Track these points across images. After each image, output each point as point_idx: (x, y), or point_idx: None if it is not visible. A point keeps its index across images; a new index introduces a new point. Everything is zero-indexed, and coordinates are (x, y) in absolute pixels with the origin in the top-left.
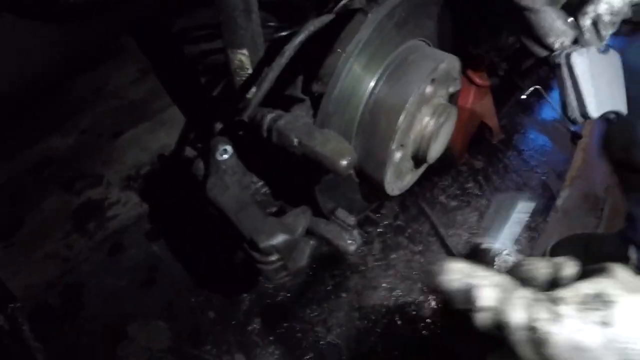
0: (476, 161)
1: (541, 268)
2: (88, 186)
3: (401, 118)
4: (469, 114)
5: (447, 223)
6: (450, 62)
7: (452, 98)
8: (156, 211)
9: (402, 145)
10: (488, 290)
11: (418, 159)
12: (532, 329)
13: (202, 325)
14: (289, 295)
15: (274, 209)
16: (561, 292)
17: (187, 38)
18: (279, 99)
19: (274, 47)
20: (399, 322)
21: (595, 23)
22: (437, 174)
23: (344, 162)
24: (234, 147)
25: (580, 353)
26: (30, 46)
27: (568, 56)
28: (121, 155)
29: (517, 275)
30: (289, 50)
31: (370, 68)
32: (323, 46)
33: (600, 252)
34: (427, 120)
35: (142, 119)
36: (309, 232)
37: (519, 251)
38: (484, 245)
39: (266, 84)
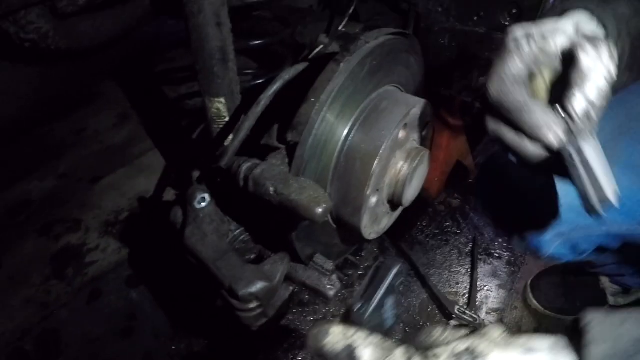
0: (453, 200)
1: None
2: (66, 231)
3: (375, 163)
4: (445, 154)
5: (426, 263)
6: (422, 107)
7: (425, 140)
8: (135, 257)
9: (377, 190)
10: (368, 350)
11: (394, 202)
12: None
13: None
14: (271, 341)
15: (252, 256)
16: (436, 350)
17: (166, 81)
18: (255, 147)
19: (251, 95)
20: None
21: (587, 109)
22: (415, 214)
23: (320, 210)
24: (211, 195)
25: None
26: (9, 88)
27: (577, 147)
28: (100, 200)
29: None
30: (265, 99)
31: (344, 116)
32: (298, 94)
33: (578, 282)
34: (401, 164)
35: (121, 164)
36: (288, 279)
37: (500, 286)
38: (357, 309)
39: (242, 133)
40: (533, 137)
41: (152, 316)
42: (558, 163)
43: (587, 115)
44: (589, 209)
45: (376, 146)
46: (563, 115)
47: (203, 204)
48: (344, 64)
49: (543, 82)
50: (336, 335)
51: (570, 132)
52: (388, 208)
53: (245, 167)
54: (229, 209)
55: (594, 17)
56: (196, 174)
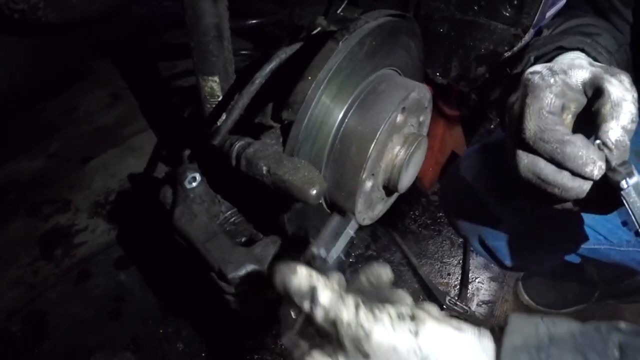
0: None
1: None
2: (55, 211)
3: (372, 147)
4: (440, 143)
5: (418, 252)
6: (420, 91)
7: (423, 126)
8: (125, 239)
9: (372, 175)
10: (327, 292)
11: (389, 188)
12: (357, 326)
13: (170, 358)
14: (259, 326)
15: (243, 239)
16: (385, 305)
17: (160, 59)
18: (248, 126)
19: (246, 75)
20: None
21: (624, 139)
22: (408, 203)
23: (314, 191)
24: (202, 174)
25: (392, 353)
26: None
27: (628, 180)
28: (90, 180)
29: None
30: (260, 77)
31: (341, 96)
32: (294, 74)
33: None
34: (398, 149)
35: (112, 144)
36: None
37: (492, 279)
38: (318, 254)
39: (236, 111)
40: (576, 171)
41: (140, 299)
42: (598, 196)
43: (623, 143)
44: None
45: (373, 129)
46: (602, 148)
47: (193, 184)
48: (343, 42)
49: (570, 117)
50: (302, 277)
51: (609, 162)
52: (383, 194)
53: (237, 145)
54: (221, 189)
55: (590, 56)
56: (187, 152)
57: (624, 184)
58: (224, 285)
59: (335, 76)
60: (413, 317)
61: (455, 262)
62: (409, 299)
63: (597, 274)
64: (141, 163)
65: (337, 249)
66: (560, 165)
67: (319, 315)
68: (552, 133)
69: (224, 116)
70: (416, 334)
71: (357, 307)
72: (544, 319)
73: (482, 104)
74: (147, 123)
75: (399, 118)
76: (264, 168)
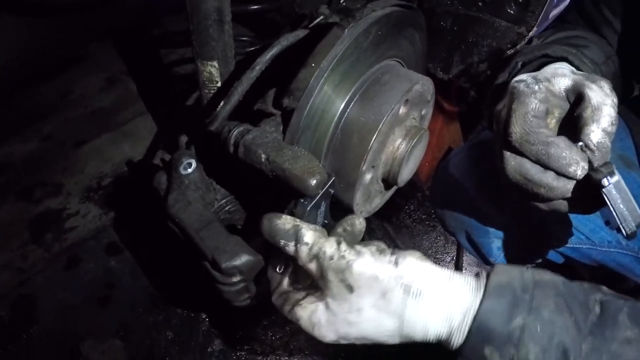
0: None
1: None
2: (46, 195)
3: (373, 138)
4: (437, 138)
5: (412, 247)
6: (424, 84)
7: (424, 121)
8: (116, 225)
9: (372, 167)
10: (310, 231)
11: (388, 181)
12: (339, 257)
13: (159, 346)
14: (250, 317)
15: (238, 227)
16: (366, 243)
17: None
18: (248, 113)
19: (246, 61)
20: (363, 350)
21: (605, 140)
22: (403, 197)
23: (313, 182)
24: (198, 161)
25: (374, 283)
26: None
27: (609, 178)
28: (83, 165)
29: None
30: (261, 63)
31: (344, 85)
32: (296, 61)
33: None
34: (400, 142)
35: (106, 129)
36: None
37: None
38: (300, 202)
39: (235, 97)
40: (560, 171)
41: (131, 286)
42: (582, 196)
43: (604, 145)
44: (628, 232)
45: (376, 120)
46: (584, 150)
47: (189, 170)
48: (349, 30)
49: (554, 122)
50: (286, 220)
51: (591, 163)
52: (382, 187)
53: (236, 131)
54: (217, 176)
55: (573, 65)
56: (184, 139)
57: (605, 181)
58: (217, 275)
59: (339, 64)
60: (393, 253)
61: (449, 258)
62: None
63: (589, 275)
64: (136, 148)
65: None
66: (545, 166)
67: (303, 252)
68: (536, 135)
69: (222, 102)
70: (396, 264)
71: (338, 243)
72: (529, 268)
73: (480, 101)
74: (143, 108)
75: (402, 110)
76: (263, 156)
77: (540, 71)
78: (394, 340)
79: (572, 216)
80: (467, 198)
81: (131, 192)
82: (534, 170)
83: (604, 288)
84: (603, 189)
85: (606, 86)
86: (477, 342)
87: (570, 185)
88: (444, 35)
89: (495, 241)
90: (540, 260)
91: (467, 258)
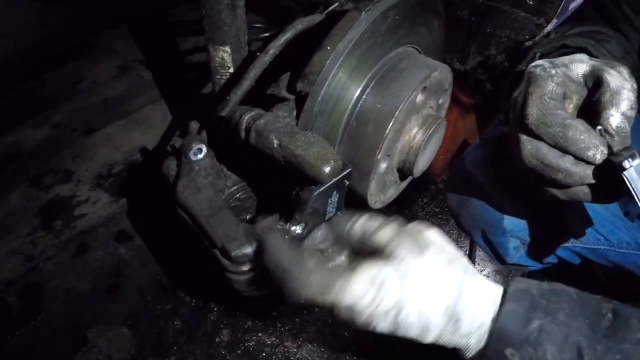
0: None
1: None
2: (57, 182)
3: (390, 125)
4: (452, 131)
5: None
6: (442, 72)
7: (441, 110)
8: (126, 212)
9: (388, 156)
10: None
11: (403, 171)
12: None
13: (167, 335)
14: (259, 307)
15: (248, 216)
16: None
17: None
18: (260, 99)
19: (259, 47)
20: (372, 344)
21: (624, 125)
22: (417, 190)
23: (327, 169)
24: (209, 146)
25: (442, 250)
26: (6, 32)
27: (631, 161)
28: (93, 152)
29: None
30: (274, 48)
31: (360, 70)
32: (311, 45)
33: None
34: (416, 130)
35: (117, 116)
36: None
37: (497, 272)
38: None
39: (247, 82)
40: (578, 155)
41: (139, 274)
42: (601, 184)
43: (624, 129)
44: None
45: (392, 107)
46: (603, 134)
47: (199, 156)
48: (366, 13)
49: (572, 107)
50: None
51: (611, 148)
52: (397, 177)
53: (247, 116)
54: (228, 162)
55: (592, 56)
56: (194, 124)
57: (626, 163)
58: (226, 263)
59: (355, 48)
60: None
61: (462, 252)
62: None
63: (604, 274)
64: (146, 136)
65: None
66: (563, 149)
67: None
68: (553, 117)
69: (235, 88)
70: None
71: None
72: (546, 282)
73: (497, 94)
74: (155, 96)
75: (419, 98)
76: (275, 141)
77: (557, 58)
78: (439, 324)
79: (591, 216)
80: (483, 195)
81: (142, 180)
82: (551, 154)
83: (615, 301)
84: (624, 172)
85: (625, 71)
86: (499, 343)
87: (589, 170)
88: (461, 25)
89: (512, 240)
90: (556, 261)
91: (480, 253)
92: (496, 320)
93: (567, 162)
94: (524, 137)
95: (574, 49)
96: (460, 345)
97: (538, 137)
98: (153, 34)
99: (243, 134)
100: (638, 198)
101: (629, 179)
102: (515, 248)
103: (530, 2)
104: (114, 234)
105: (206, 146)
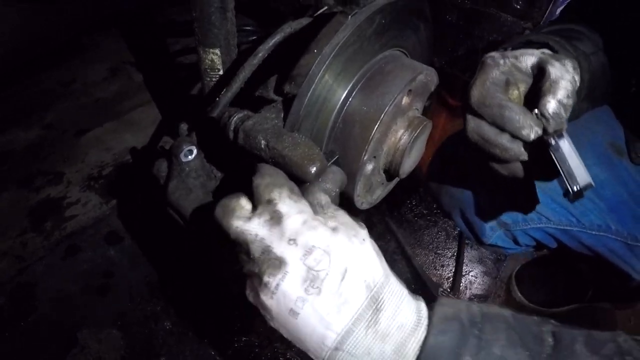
0: None
1: None
2: (47, 183)
3: (375, 128)
4: (441, 133)
5: (413, 242)
6: (428, 75)
7: (427, 111)
8: (116, 214)
9: (374, 157)
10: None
11: (390, 172)
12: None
13: (157, 336)
14: (249, 307)
15: None
16: None
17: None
18: (249, 101)
19: (248, 50)
20: None
21: (560, 111)
22: (405, 192)
23: (314, 168)
24: (199, 148)
25: None
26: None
27: (557, 139)
28: (84, 153)
29: None
30: (263, 51)
31: (347, 73)
32: (299, 49)
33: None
34: (402, 132)
35: (108, 118)
36: None
37: (485, 273)
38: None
39: (236, 84)
40: (514, 134)
41: (129, 275)
42: (534, 157)
43: (559, 115)
44: (574, 192)
45: (378, 109)
46: (540, 118)
47: (189, 157)
48: (352, 17)
49: (517, 93)
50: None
51: (546, 130)
52: (383, 178)
53: (236, 117)
54: (218, 164)
55: (553, 51)
56: (184, 126)
57: (552, 140)
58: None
59: (341, 51)
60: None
61: (450, 254)
62: None
63: (590, 271)
64: (137, 138)
65: None
66: (501, 128)
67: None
68: (492, 99)
69: (224, 90)
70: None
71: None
72: (475, 303)
73: None
74: (145, 98)
75: (405, 100)
76: (263, 142)
77: (510, 50)
78: (360, 300)
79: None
80: (461, 172)
81: (132, 182)
82: (490, 132)
83: (552, 321)
84: (550, 147)
85: (569, 64)
86: None
87: (522, 148)
88: (449, 28)
89: (492, 222)
90: (533, 244)
91: (469, 254)
92: (419, 355)
93: (504, 139)
94: (468, 116)
95: (537, 44)
96: (374, 353)
97: (480, 116)
98: (144, 35)
99: (232, 135)
100: (562, 171)
101: (554, 154)
102: (492, 228)
103: (518, 7)
104: (104, 235)
105: (196, 147)
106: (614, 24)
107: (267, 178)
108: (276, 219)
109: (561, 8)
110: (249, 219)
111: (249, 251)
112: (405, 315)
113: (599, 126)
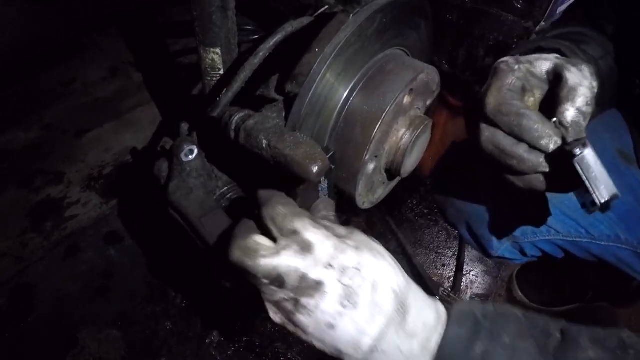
0: None
1: None
2: (47, 183)
3: (377, 127)
4: (441, 133)
5: (414, 241)
6: (430, 74)
7: (429, 111)
8: (117, 214)
9: (376, 157)
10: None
11: (391, 172)
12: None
13: (158, 337)
14: (249, 308)
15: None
16: None
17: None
18: (250, 100)
19: (249, 49)
20: None
21: (579, 119)
22: (406, 191)
23: (315, 168)
24: (200, 147)
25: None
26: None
27: (582, 149)
28: (84, 153)
29: None
30: (264, 50)
31: (348, 72)
32: (300, 48)
33: (563, 275)
34: (403, 131)
35: (108, 118)
36: None
37: (486, 272)
38: None
39: (237, 84)
40: (532, 144)
41: (129, 275)
42: (558, 172)
43: (579, 124)
44: (602, 205)
45: (379, 109)
46: (558, 126)
47: (190, 157)
48: (354, 16)
49: (533, 100)
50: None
51: (565, 139)
52: (385, 177)
53: (237, 117)
54: (219, 164)
55: (565, 57)
56: (185, 126)
57: (577, 151)
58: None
59: (343, 51)
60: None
61: (451, 253)
62: None
63: (593, 276)
64: (137, 138)
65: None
66: (518, 137)
67: None
68: (509, 107)
69: (225, 89)
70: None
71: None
72: (491, 304)
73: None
74: (146, 98)
75: (406, 100)
76: (264, 141)
77: (524, 55)
78: (390, 308)
79: (571, 208)
80: (468, 182)
81: (132, 182)
82: (507, 142)
83: (562, 321)
84: (575, 159)
85: (586, 69)
86: None
87: (542, 159)
88: (450, 28)
89: (502, 238)
90: (540, 254)
91: (469, 254)
92: (439, 345)
93: (522, 150)
94: (483, 125)
95: (548, 50)
96: (404, 350)
97: (495, 125)
98: (144, 35)
99: (233, 135)
100: (588, 184)
101: (579, 164)
102: (500, 241)
103: (519, 6)
104: (104, 236)
105: (197, 147)
106: (617, 24)
107: (281, 208)
108: (307, 248)
109: (562, 7)
110: (276, 254)
111: (283, 283)
112: (427, 314)
113: (606, 133)
